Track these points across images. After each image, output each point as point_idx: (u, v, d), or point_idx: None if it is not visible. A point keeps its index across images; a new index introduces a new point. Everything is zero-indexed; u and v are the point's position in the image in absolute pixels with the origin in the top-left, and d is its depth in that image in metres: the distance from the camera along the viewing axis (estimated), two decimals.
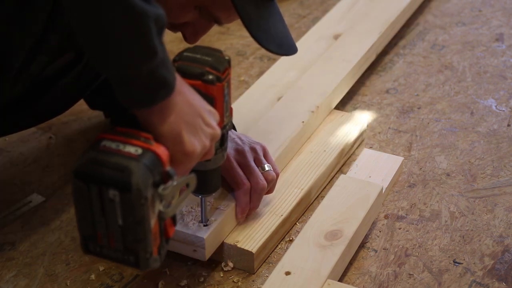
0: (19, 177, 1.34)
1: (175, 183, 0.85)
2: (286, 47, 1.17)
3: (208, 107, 0.92)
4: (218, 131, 0.92)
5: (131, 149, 0.82)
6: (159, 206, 0.85)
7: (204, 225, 1.09)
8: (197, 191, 1.05)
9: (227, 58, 0.98)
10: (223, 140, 1.01)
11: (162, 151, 0.84)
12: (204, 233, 1.08)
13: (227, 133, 1.03)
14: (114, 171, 0.81)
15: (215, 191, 1.08)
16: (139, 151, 0.82)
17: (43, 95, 1.19)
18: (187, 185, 0.88)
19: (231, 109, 1.01)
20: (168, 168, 0.85)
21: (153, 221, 0.84)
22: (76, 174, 0.82)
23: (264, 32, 1.10)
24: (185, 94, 0.88)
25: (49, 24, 1.04)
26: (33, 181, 1.33)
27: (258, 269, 1.14)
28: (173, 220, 0.91)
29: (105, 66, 0.82)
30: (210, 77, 0.94)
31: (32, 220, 1.25)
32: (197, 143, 0.88)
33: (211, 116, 0.92)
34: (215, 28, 1.89)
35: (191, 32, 1.11)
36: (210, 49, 0.98)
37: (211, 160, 1.01)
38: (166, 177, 0.84)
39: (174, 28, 1.11)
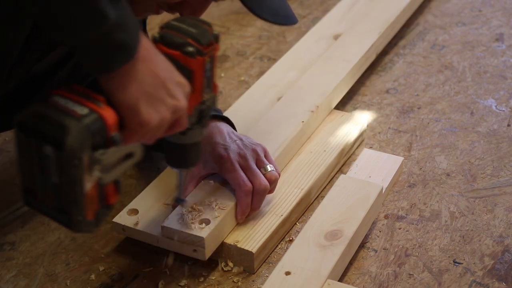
0: (19, 177, 1.34)
1: (117, 149, 0.83)
2: (282, 17, 1.12)
3: (178, 78, 0.88)
4: (182, 104, 0.88)
5: (77, 108, 0.80)
6: (97, 170, 0.81)
7: (180, 200, 1.08)
8: (173, 164, 1.03)
9: (215, 33, 0.94)
10: (201, 116, 0.98)
11: (109, 114, 0.81)
12: (204, 233, 1.08)
13: (208, 109, 0.99)
14: (53, 127, 0.79)
15: (192, 167, 1.05)
16: (85, 111, 0.80)
17: (37, 91, 1.18)
18: (131, 155, 0.85)
19: (214, 86, 0.98)
20: (113, 133, 0.82)
21: (90, 184, 0.81)
22: (19, 125, 0.81)
23: (257, 1, 1.06)
24: (151, 62, 0.84)
25: None
26: None
27: (258, 269, 1.14)
28: (117, 187, 0.87)
29: (57, 36, 0.81)
30: (190, 49, 0.91)
31: (32, 220, 1.25)
32: (155, 114, 0.85)
33: (178, 87, 0.88)
34: (215, 28, 1.89)
35: (188, 12, 1.08)
36: (199, 21, 0.94)
37: (186, 134, 0.98)
38: (109, 142, 0.82)
39: (171, 9, 1.08)
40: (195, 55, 0.91)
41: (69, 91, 0.83)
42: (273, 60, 1.68)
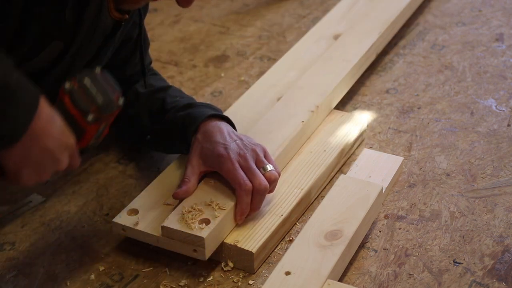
0: None
1: None
2: None
3: (67, 140, 0.93)
4: (64, 164, 0.94)
5: None
6: None
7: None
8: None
9: (119, 103, 0.97)
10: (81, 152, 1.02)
11: None
12: (204, 233, 1.08)
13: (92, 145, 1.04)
14: None
15: None
16: None
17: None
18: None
19: (105, 133, 1.02)
20: None
21: None
22: None
23: None
24: (43, 136, 0.89)
25: (25, 13, 1.03)
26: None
27: (258, 269, 1.14)
28: None
29: None
30: (90, 118, 0.95)
31: (32, 220, 1.25)
32: (35, 177, 0.91)
33: (65, 152, 0.93)
34: (215, 28, 1.90)
35: None
36: (111, 86, 0.97)
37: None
38: None
39: None
40: (92, 123, 0.96)
41: None
42: (273, 60, 1.69)
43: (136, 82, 1.33)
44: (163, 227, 1.10)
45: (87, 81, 0.95)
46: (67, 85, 0.95)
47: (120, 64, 1.32)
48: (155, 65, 1.52)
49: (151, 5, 2.00)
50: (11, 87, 0.84)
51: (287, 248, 1.17)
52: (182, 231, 1.08)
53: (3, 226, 1.23)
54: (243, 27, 1.89)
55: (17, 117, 0.85)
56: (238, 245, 1.12)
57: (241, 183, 1.12)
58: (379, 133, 1.46)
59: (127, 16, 1.18)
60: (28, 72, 1.12)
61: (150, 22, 1.92)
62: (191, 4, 1.08)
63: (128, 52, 1.32)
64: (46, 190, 1.30)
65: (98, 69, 0.98)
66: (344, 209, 1.14)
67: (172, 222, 1.10)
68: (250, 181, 1.13)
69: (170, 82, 1.44)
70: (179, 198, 1.15)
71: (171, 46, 1.81)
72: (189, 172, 1.16)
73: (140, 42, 1.28)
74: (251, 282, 1.11)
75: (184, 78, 1.67)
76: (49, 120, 0.90)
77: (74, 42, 1.12)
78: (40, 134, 0.88)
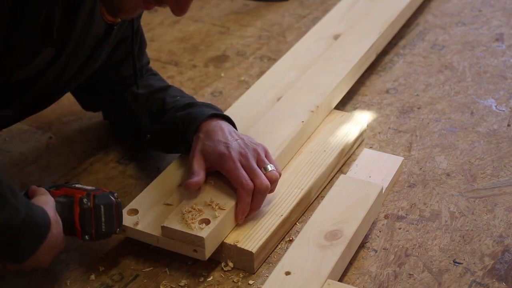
0: (19, 177, 1.34)
1: None
2: None
3: (59, 249, 1.07)
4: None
5: None
6: None
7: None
8: None
9: (116, 233, 1.12)
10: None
11: None
12: (204, 233, 1.08)
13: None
14: None
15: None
16: None
17: (19, 98, 1.18)
18: None
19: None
20: None
21: None
22: None
23: None
24: (40, 259, 1.02)
25: (13, 21, 1.02)
26: (33, 181, 1.32)
27: (258, 269, 1.14)
28: None
29: None
30: (86, 238, 1.09)
31: None
32: (49, 259, 1.05)
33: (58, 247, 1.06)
34: (215, 28, 1.90)
35: (174, 2, 1.06)
36: (119, 216, 1.11)
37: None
38: None
39: (157, 2, 1.07)
40: (85, 240, 1.09)
41: None
42: (273, 60, 1.68)
43: (134, 83, 1.33)
44: (163, 227, 1.10)
45: (101, 209, 1.07)
46: (85, 200, 1.06)
47: (116, 65, 1.32)
48: (155, 65, 1.52)
49: None
50: (17, 228, 0.95)
51: (287, 248, 1.17)
52: (182, 231, 1.08)
53: None
54: (243, 27, 1.89)
55: (23, 249, 0.99)
56: (238, 245, 1.12)
57: (243, 183, 1.12)
58: (379, 133, 1.46)
59: (119, 20, 1.18)
60: (23, 77, 1.13)
61: (150, 22, 1.92)
62: (186, 13, 1.07)
63: (123, 53, 1.31)
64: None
65: (116, 195, 1.09)
66: (344, 209, 1.14)
67: (172, 222, 1.10)
68: (252, 180, 1.13)
69: (170, 82, 1.44)
70: (190, 189, 1.14)
71: (171, 46, 1.81)
72: (196, 166, 1.16)
73: (132, 43, 1.28)
74: (251, 282, 1.11)
75: (184, 78, 1.67)
76: (52, 246, 1.02)
77: (67, 47, 1.12)
78: (41, 257, 1.01)
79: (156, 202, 1.18)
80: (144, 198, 1.19)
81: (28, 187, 1.09)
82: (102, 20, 1.15)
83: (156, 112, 1.29)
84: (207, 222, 1.10)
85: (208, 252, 1.10)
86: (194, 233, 1.08)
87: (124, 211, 1.16)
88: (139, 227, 1.13)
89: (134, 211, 1.16)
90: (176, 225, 1.09)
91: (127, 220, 1.14)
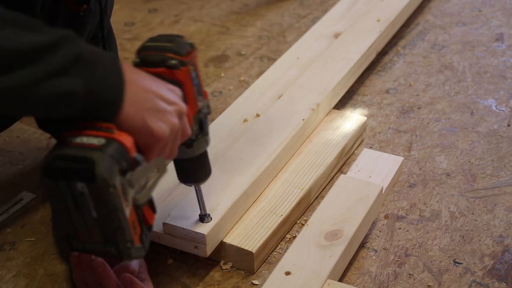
0: (19, 177, 1.34)
1: (143, 168, 0.85)
2: None
3: (165, 84, 0.90)
4: (182, 105, 0.90)
5: (94, 141, 0.82)
6: (131, 193, 0.84)
7: (203, 216, 1.09)
8: (188, 181, 1.05)
9: (189, 41, 0.97)
10: (202, 125, 1.00)
11: (125, 138, 0.84)
12: (205, 230, 1.08)
13: (206, 116, 1.01)
14: (78, 164, 0.80)
15: (206, 179, 1.06)
16: (102, 141, 0.82)
17: None
18: (158, 170, 0.88)
19: (205, 93, 1.00)
20: (134, 154, 0.84)
21: (129, 209, 0.84)
22: (44, 172, 0.83)
23: None
24: (137, 81, 0.86)
25: None
26: (33, 181, 1.33)
27: (258, 269, 1.14)
28: (152, 207, 0.91)
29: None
30: (173, 62, 0.93)
31: (32, 220, 1.25)
32: (165, 125, 0.87)
33: (171, 93, 0.90)
34: (215, 28, 1.90)
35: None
36: (171, 36, 0.97)
37: (192, 146, 1.00)
38: (134, 164, 0.84)
39: None
40: (179, 66, 0.94)
41: (78, 128, 0.85)
42: (273, 60, 1.68)
43: None
44: (165, 224, 1.10)
45: (147, 43, 0.96)
46: (136, 59, 0.94)
47: None
48: None
49: (151, 5, 2.01)
50: (87, 56, 0.81)
51: (287, 248, 1.17)
52: (183, 228, 1.09)
53: (3, 226, 1.23)
54: (243, 27, 1.89)
55: (108, 74, 0.82)
56: (238, 245, 1.12)
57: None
58: (379, 133, 1.46)
59: (85, 7, 1.15)
60: None
61: (150, 22, 1.92)
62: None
63: None
64: (36, 188, 1.30)
65: None
66: (344, 209, 1.14)
67: (174, 219, 1.10)
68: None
69: None
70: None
71: None
72: None
73: (103, 41, 1.22)
74: (251, 282, 1.11)
75: None
76: (133, 69, 0.88)
77: None
78: (133, 79, 0.85)
79: (157, 199, 1.18)
80: None
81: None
82: (65, 7, 1.11)
83: None
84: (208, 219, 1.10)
85: (209, 249, 1.10)
86: (195, 229, 1.08)
87: None
88: None
89: None
90: (178, 222, 1.09)
91: None
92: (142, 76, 0.88)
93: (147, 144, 0.86)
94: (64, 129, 0.88)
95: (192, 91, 0.96)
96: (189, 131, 0.93)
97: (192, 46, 0.96)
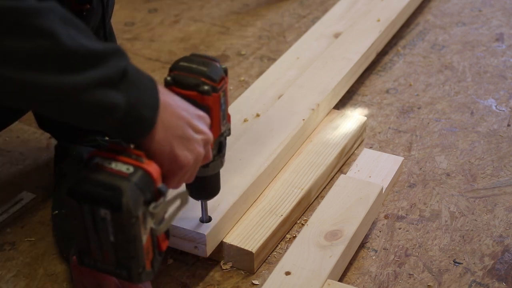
0: (19, 177, 1.34)
1: (166, 200, 0.86)
2: None
3: (197, 112, 0.91)
4: (209, 135, 0.91)
5: (122, 167, 0.83)
6: (151, 223, 0.85)
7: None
8: (197, 197, 1.06)
9: (223, 67, 0.97)
10: (221, 147, 1.01)
11: (153, 168, 0.84)
12: (205, 230, 1.08)
13: (225, 139, 1.02)
14: (105, 190, 0.81)
15: (214, 196, 1.08)
16: (130, 169, 0.83)
17: None
18: (179, 201, 0.88)
19: (228, 116, 1.01)
20: (159, 185, 0.85)
21: (145, 237, 0.85)
22: (69, 193, 0.83)
23: None
24: (171, 107, 0.87)
25: None
26: (33, 181, 1.33)
27: (258, 269, 1.14)
28: (166, 234, 0.92)
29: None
30: (206, 87, 0.93)
31: (32, 220, 1.25)
32: (190, 154, 0.88)
33: (200, 121, 0.91)
34: (215, 28, 1.90)
35: None
36: (206, 58, 0.97)
37: (209, 166, 1.01)
38: (157, 195, 0.85)
39: None
40: (211, 92, 0.94)
41: (107, 151, 0.85)
42: (273, 60, 1.68)
43: None
44: None
45: (182, 62, 0.96)
46: (168, 78, 0.94)
47: None
48: (155, 65, 1.52)
49: (151, 5, 2.01)
50: (132, 73, 0.82)
51: (287, 248, 1.17)
52: (183, 228, 1.09)
53: (3, 226, 1.23)
54: (243, 27, 1.89)
55: (146, 93, 0.83)
56: (238, 245, 1.12)
57: None
58: (379, 133, 1.46)
59: (88, 6, 1.15)
60: None
61: (150, 22, 1.92)
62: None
63: None
64: (46, 190, 1.30)
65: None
66: (344, 209, 1.14)
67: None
68: None
69: None
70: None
71: (171, 46, 1.81)
72: None
73: (104, 41, 1.21)
74: (252, 282, 1.11)
75: None
76: (168, 93, 0.88)
77: None
78: (167, 104, 0.86)
79: None
80: None
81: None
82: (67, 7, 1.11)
83: None
84: (208, 219, 1.10)
85: (209, 249, 1.10)
86: (195, 230, 1.08)
87: None
88: None
89: None
90: (178, 222, 1.09)
91: None
92: (176, 101, 0.88)
93: (170, 170, 0.87)
94: (94, 148, 0.85)
95: (219, 116, 0.97)
96: (210, 157, 0.94)
97: (225, 71, 0.97)
